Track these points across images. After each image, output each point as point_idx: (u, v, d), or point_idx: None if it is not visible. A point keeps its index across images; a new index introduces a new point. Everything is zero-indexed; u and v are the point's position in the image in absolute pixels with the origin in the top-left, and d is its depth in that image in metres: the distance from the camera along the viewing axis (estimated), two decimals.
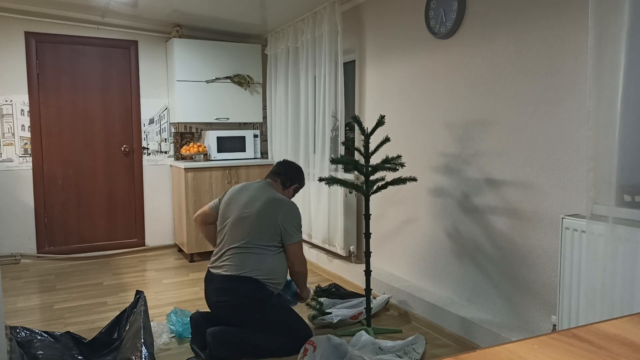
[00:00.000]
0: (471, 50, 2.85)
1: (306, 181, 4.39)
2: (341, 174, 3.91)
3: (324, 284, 3.78)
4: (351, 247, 3.96)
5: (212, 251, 4.68)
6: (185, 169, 4.53)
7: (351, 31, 4.01)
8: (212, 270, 2.78)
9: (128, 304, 2.71)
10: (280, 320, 2.66)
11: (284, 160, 3.04)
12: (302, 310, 3.29)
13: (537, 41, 2.44)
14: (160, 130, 5.08)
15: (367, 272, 2.98)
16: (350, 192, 3.86)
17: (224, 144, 4.88)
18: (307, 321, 3.06)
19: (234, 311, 2.65)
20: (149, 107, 5.02)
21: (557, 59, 2.35)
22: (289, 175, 2.95)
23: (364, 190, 2.89)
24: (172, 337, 2.89)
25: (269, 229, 2.70)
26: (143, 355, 2.23)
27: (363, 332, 2.71)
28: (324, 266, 4.27)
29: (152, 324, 2.77)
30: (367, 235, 2.98)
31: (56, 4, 4.32)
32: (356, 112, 4.00)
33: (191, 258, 4.67)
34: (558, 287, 2.16)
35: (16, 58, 4.48)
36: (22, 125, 4.55)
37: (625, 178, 1.94)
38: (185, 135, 5.19)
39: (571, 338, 0.82)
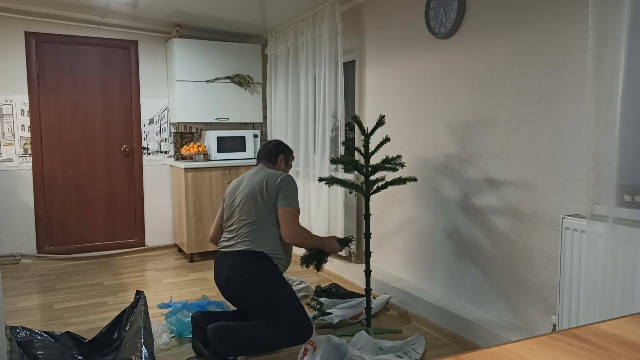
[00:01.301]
0: (471, 50, 2.85)
1: (306, 181, 4.40)
2: (341, 174, 3.91)
3: (324, 284, 3.78)
4: (351, 247, 3.96)
5: (213, 251, 4.73)
6: (185, 169, 4.53)
7: (351, 31, 4.01)
8: (224, 250, 2.76)
9: (128, 304, 2.71)
10: (283, 301, 2.62)
11: (260, 148, 3.12)
12: None
13: (537, 41, 2.44)
14: (160, 130, 5.08)
15: (367, 272, 2.98)
16: (350, 192, 3.86)
17: (224, 144, 4.88)
18: None
19: (244, 285, 2.63)
20: (149, 107, 5.02)
21: (557, 59, 2.35)
22: (268, 152, 2.98)
23: (364, 190, 2.89)
24: (172, 337, 2.90)
25: (272, 202, 2.73)
26: (143, 355, 2.23)
27: (363, 332, 2.71)
28: (324, 266, 4.27)
29: (152, 324, 2.77)
30: (367, 235, 2.98)
31: (56, 4, 4.32)
32: (356, 112, 4.00)
33: (191, 258, 4.67)
34: (558, 287, 2.17)
35: (16, 58, 4.48)
36: (22, 125, 4.55)
37: (625, 178, 1.94)
38: (185, 135, 5.19)
39: (571, 338, 0.82)
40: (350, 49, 4.05)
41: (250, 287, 2.63)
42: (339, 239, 2.93)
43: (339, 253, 4.02)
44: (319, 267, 2.97)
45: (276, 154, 2.98)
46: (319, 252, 2.90)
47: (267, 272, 2.64)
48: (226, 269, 2.69)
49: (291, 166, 3.07)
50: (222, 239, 2.85)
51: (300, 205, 4.45)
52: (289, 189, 2.76)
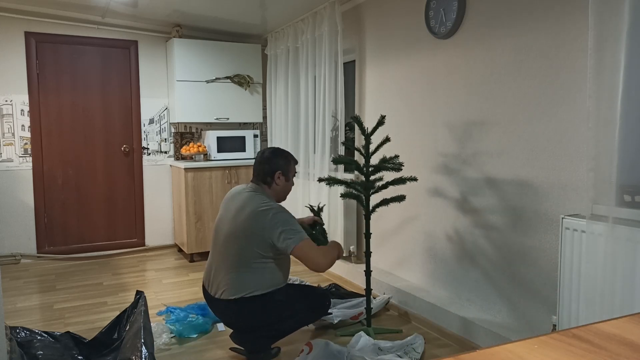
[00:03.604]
0: (471, 50, 2.85)
1: (306, 181, 4.39)
2: (341, 174, 3.91)
3: (324, 284, 3.78)
4: (351, 247, 3.96)
5: None
6: (185, 169, 4.53)
7: (351, 31, 4.01)
8: (209, 291, 2.63)
9: (128, 304, 2.71)
10: (294, 309, 2.59)
11: (255, 159, 2.71)
12: None
13: (537, 41, 2.44)
14: (160, 130, 5.08)
15: (367, 272, 2.98)
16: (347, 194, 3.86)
17: (224, 144, 4.88)
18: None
19: (247, 327, 2.60)
20: (149, 107, 5.02)
21: (557, 59, 2.35)
22: (262, 171, 2.63)
23: (362, 199, 2.90)
24: (172, 337, 2.90)
25: (258, 245, 2.47)
26: (143, 355, 2.23)
27: (362, 332, 2.71)
28: None
29: (152, 324, 2.77)
30: (367, 235, 2.98)
31: (56, 4, 4.32)
32: (356, 112, 4.00)
33: (191, 258, 4.66)
34: (558, 287, 2.16)
35: (16, 58, 4.48)
36: (22, 125, 4.55)
37: (625, 178, 1.94)
38: (185, 135, 5.19)
39: (571, 338, 0.82)
40: (350, 49, 4.05)
41: (254, 326, 2.58)
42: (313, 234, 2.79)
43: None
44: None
45: (271, 173, 2.61)
46: None
47: (263, 309, 2.52)
48: (220, 316, 2.66)
49: (294, 175, 2.73)
50: (206, 267, 2.71)
51: (300, 205, 4.47)
52: (287, 225, 2.45)
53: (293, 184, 2.75)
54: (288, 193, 2.74)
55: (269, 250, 2.49)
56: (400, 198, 2.87)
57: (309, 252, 2.45)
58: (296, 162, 2.75)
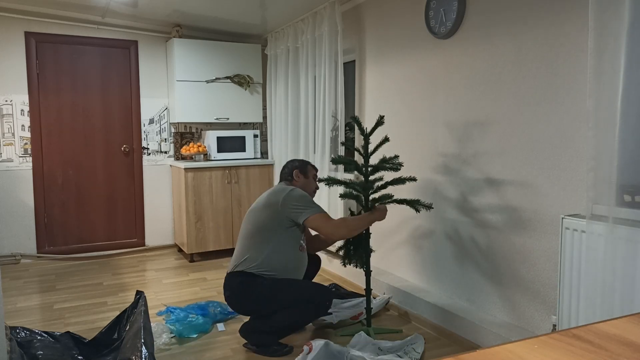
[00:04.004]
0: (471, 50, 2.85)
1: None
2: (341, 174, 3.91)
3: (325, 284, 3.77)
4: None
5: (213, 251, 4.74)
6: (185, 169, 4.53)
7: (351, 31, 4.01)
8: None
9: (128, 304, 2.71)
10: (282, 302, 2.67)
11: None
12: None
13: (537, 41, 2.44)
14: (160, 130, 5.08)
15: (367, 272, 2.98)
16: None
17: (224, 144, 4.88)
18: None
19: (235, 303, 2.76)
20: (149, 107, 5.02)
21: (557, 59, 2.35)
22: (284, 171, 3.01)
23: (362, 200, 2.90)
24: (172, 337, 2.90)
25: (271, 216, 2.72)
26: (143, 355, 2.23)
27: (362, 332, 2.71)
28: (324, 266, 4.27)
29: (152, 324, 2.77)
30: (367, 235, 2.98)
31: (56, 4, 4.32)
32: (356, 112, 4.00)
33: (191, 258, 4.67)
34: (558, 287, 2.17)
35: (16, 58, 4.48)
36: (22, 125, 4.55)
37: (625, 178, 1.94)
38: (185, 135, 5.19)
39: (571, 338, 0.82)
40: (350, 49, 4.05)
41: (239, 304, 2.74)
42: (376, 205, 2.88)
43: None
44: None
45: (290, 172, 2.99)
46: (360, 245, 2.94)
47: (244, 287, 2.69)
48: (224, 291, 2.83)
49: (315, 177, 3.01)
50: None
51: None
52: (300, 202, 2.72)
53: (317, 186, 3.03)
54: (312, 192, 2.98)
55: (284, 222, 2.71)
56: (398, 200, 2.88)
57: (318, 223, 2.68)
58: (315, 169, 3.04)
